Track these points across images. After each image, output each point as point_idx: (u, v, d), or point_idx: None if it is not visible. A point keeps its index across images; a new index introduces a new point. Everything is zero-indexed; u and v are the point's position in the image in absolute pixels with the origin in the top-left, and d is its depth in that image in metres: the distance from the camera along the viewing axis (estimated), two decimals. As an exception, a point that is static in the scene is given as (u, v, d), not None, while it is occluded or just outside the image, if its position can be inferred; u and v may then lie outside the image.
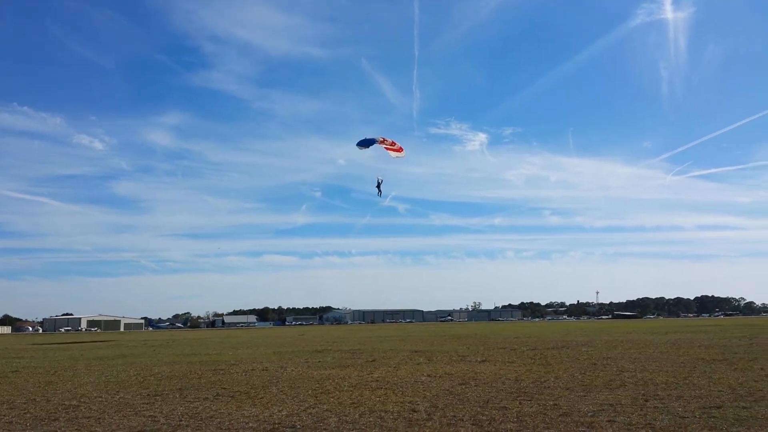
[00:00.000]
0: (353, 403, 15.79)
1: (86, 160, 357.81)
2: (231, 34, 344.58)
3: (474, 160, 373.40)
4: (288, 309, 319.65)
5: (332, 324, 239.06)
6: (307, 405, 15.62)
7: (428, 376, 21.96)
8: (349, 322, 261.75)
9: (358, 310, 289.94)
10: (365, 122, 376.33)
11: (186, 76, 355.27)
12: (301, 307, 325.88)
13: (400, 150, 34.44)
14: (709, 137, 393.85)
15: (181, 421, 13.91)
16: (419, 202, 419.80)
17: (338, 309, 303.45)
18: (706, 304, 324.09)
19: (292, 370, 25.61)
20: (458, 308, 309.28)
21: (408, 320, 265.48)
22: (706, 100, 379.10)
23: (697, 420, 12.40)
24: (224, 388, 19.63)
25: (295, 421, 13.35)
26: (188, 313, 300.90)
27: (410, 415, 13.75)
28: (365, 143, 33.54)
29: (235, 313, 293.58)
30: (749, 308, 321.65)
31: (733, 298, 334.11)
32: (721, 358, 26.57)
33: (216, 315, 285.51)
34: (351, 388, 18.72)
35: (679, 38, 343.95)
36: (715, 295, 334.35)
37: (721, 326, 78.85)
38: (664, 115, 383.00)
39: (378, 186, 35.73)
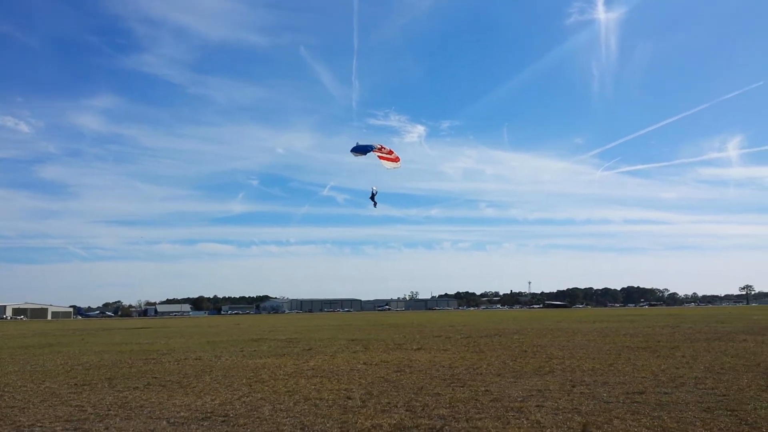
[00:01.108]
0: (288, 391, 15.73)
1: (11, 143, 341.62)
2: (165, 17, 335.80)
3: (412, 152, 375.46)
4: (224, 298, 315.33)
5: (269, 313, 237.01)
6: (241, 394, 15.46)
7: (364, 364, 22.08)
8: (287, 311, 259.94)
9: (296, 299, 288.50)
10: (304, 111, 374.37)
11: (118, 59, 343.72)
12: (238, 296, 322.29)
13: (396, 160, 32.80)
14: (636, 135, 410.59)
15: (110, 410, 13.55)
16: (358, 192, 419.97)
17: (275, 298, 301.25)
18: (632, 295, 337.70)
19: (227, 359, 25.28)
20: (396, 297, 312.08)
21: (346, 309, 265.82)
22: (634, 98, 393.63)
23: (621, 405, 12.91)
24: (155, 378, 19.21)
25: (228, 410, 13.20)
26: (119, 301, 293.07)
27: (345, 403, 13.81)
28: (361, 150, 31.61)
29: (168, 302, 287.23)
30: (672, 299, 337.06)
31: (657, 289, 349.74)
32: (644, 346, 27.69)
33: (148, 304, 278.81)
34: (286, 377, 18.63)
35: (611, 38, 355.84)
36: (641, 286, 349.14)
37: (646, 316, 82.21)
38: (595, 112, 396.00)
39: (372, 197, 33.83)
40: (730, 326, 44.12)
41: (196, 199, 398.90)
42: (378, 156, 31.63)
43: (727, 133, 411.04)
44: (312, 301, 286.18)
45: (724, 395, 13.79)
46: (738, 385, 15.12)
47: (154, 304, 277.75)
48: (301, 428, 11.26)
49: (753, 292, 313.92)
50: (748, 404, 12.61)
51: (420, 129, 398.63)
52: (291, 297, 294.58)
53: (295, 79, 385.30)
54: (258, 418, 12.32)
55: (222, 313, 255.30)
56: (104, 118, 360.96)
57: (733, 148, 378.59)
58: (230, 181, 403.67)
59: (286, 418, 12.25)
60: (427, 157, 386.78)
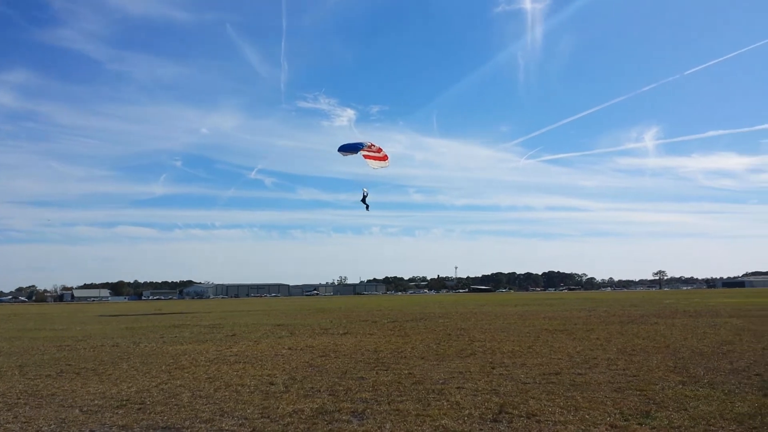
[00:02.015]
0: (209, 377, 15.42)
1: None
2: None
3: (342, 136, 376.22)
4: (145, 283, 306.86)
5: (193, 298, 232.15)
6: (159, 381, 15.04)
7: (289, 349, 21.91)
8: (212, 296, 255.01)
9: (222, 285, 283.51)
10: (231, 92, 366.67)
11: (33, 32, 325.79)
12: (160, 281, 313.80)
13: (384, 159, 31.29)
14: (558, 124, 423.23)
15: (19, 399, 12.93)
16: (287, 176, 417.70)
17: (200, 283, 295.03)
18: (553, 279, 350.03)
19: (146, 345, 24.56)
20: (324, 282, 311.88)
21: (273, 294, 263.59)
22: (557, 88, 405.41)
23: (538, 385, 13.30)
24: (69, 365, 18.46)
25: (145, 398, 12.81)
26: (33, 286, 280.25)
27: (267, 388, 13.66)
28: (351, 148, 29.85)
29: (86, 286, 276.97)
30: (590, 283, 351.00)
31: (576, 274, 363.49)
32: (562, 328, 28.67)
33: (65, 288, 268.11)
34: (208, 363, 18.26)
35: (536, 28, 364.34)
36: (561, 271, 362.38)
37: (564, 300, 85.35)
38: (520, 101, 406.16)
39: (363, 199, 31.96)
40: (643, 310, 46.28)
41: (116, 180, 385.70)
42: (364, 155, 30.70)
43: (644, 125, 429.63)
44: (238, 287, 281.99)
45: (635, 375, 14.41)
46: (648, 366, 15.83)
47: (71, 289, 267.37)
48: (220, 414, 11.05)
49: (665, 278, 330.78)
50: (656, 384, 13.21)
51: (350, 113, 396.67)
52: (216, 282, 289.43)
53: (221, 58, 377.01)
54: (176, 405, 12.01)
55: (143, 298, 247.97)
56: (17, 94, 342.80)
57: (649, 138, 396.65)
58: (152, 161, 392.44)
59: (206, 404, 11.99)
60: (356, 141, 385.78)
